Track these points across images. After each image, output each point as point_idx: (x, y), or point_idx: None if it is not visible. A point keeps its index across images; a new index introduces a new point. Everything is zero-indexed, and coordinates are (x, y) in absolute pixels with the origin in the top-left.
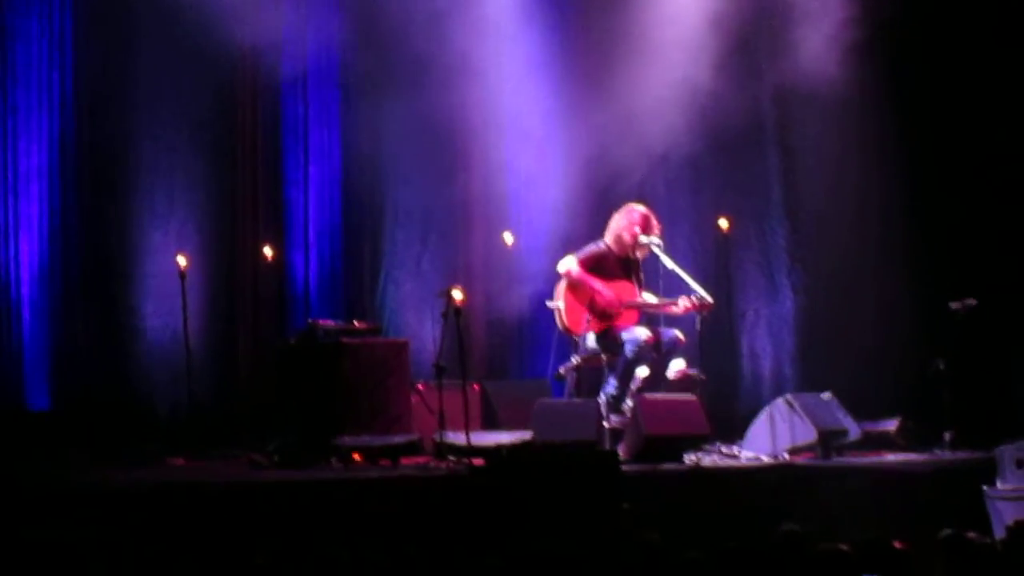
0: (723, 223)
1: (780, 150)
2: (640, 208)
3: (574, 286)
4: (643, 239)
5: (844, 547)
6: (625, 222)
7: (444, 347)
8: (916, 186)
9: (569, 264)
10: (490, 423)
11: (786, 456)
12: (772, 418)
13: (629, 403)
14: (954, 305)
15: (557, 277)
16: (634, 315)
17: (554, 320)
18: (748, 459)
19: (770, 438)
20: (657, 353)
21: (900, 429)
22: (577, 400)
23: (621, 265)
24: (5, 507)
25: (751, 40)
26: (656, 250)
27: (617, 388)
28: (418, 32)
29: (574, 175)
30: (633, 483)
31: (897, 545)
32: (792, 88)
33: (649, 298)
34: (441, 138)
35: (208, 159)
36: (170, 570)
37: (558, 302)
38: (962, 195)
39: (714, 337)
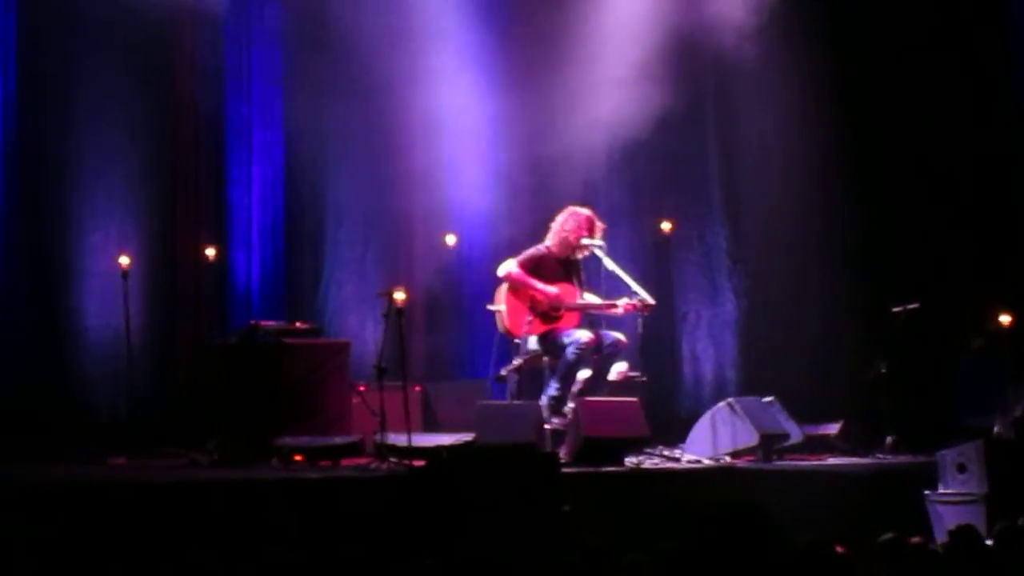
0: (665, 225)
1: (721, 152)
2: (584, 211)
3: (515, 288)
4: (585, 241)
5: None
6: (571, 224)
7: (385, 348)
8: (858, 189)
9: (509, 267)
10: (431, 424)
11: (728, 459)
12: (714, 421)
13: (570, 405)
14: (895, 309)
15: (497, 280)
16: (575, 317)
17: (495, 322)
18: (689, 461)
19: (711, 441)
20: (598, 355)
21: (842, 432)
22: (518, 402)
23: (562, 267)
24: None
25: (691, 39)
26: (599, 252)
27: (558, 390)
28: (363, 33)
29: (515, 176)
30: (573, 485)
31: (838, 549)
32: (734, 90)
33: (591, 299)
34: (383, 139)
35: (149, 158)
36: (109, 569)
37: (499, 305)
38: (904, 199)
39: (655, 340)
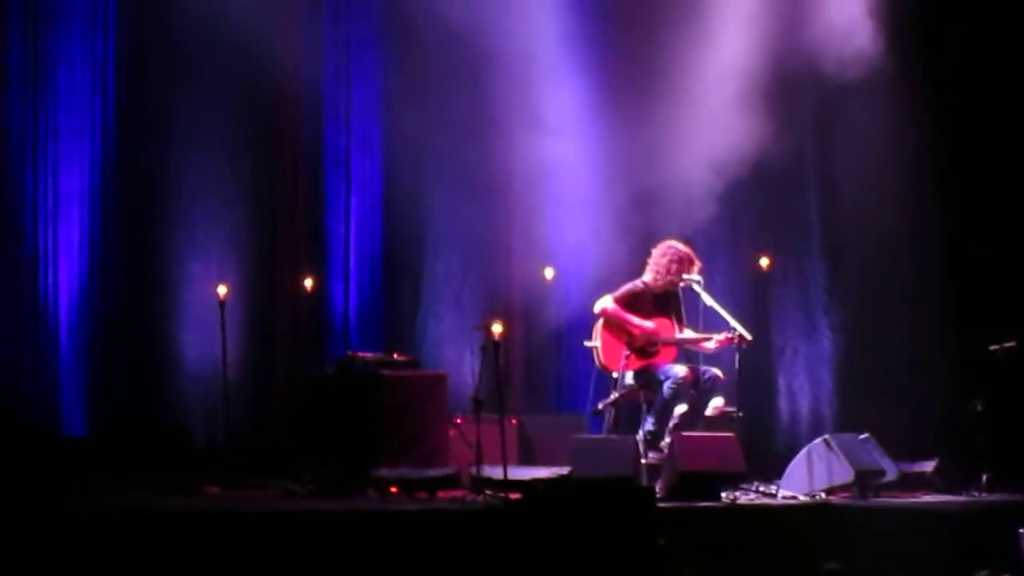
0: (763, 261)
1: (820, 186)
2: (682, 247)
3: (611, 324)
4: (685, 276)
5: None
6: (666, 260)
7: (482, 381)
8: (956, 226)
9: (605, 303)
10: (527, 457)
11: (823, 495)
12: (810, 457)
13: (667, 440)
14: (993, 347)
15: (594, 316)
16: (672, 352)
17: (592, 356)
18: (785, 498)
19: (807, 477)
20: (695, 390)
21: (937, 470)
22: (614, 436)
23: (659, 303)
24: (40, 532)
25: (793, 71)
26: (696, 288)
27: (655, 424)
28: (465, 63)
29: (614, 210)
30: (669, 519)
31: None
32: (834, 122)
33: (689, 335)
34: (482, 170)
35: (248, 188)
36: None
37: (595, 341)
38: (1002, 234)
39: (752, 375)
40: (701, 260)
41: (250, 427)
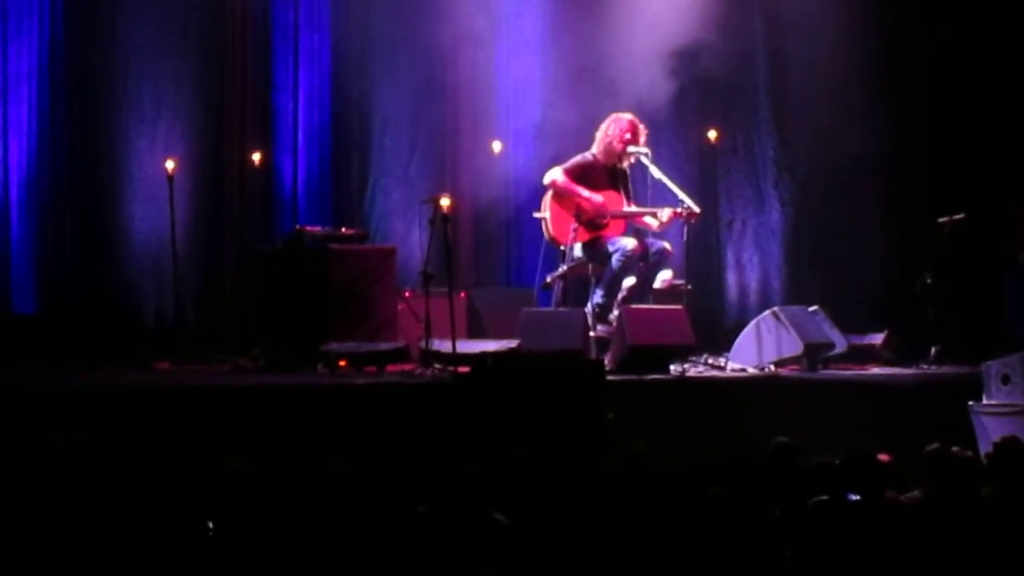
0: (711, 134)
1: (769, 60)
2: (627, 116)
3: (560, 196)
4: (631, 148)
5: (833, 459)
6: (614, 131)
7: (431, 255)
8: (908, 99)
9: (555, 174)
10: (476, 331)
11: (772, 368)
12: (759, 330)
13: (615, 313)
14: (942, 220)
15: (543, 188)
16: (621, 225)
17: (541, 229)
18: (734, 370)
19: (757, 350)
20: (644, 263)
21: (886, 343)
22: (563, 309)
23: (608, 175)
24: None
25: None
26: (644, 160)
27: (603, 298)
28: None
29: (561, 85)
30: (618, 392)
31: (882, 458)
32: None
33: (636, 208)
34: (430, 44)
35: (196, 64)
36: (152, 474)
37: (544, 212)
38: (954, 110)
39: (701, 248)
40: (647, 129)
41: (199, 302)
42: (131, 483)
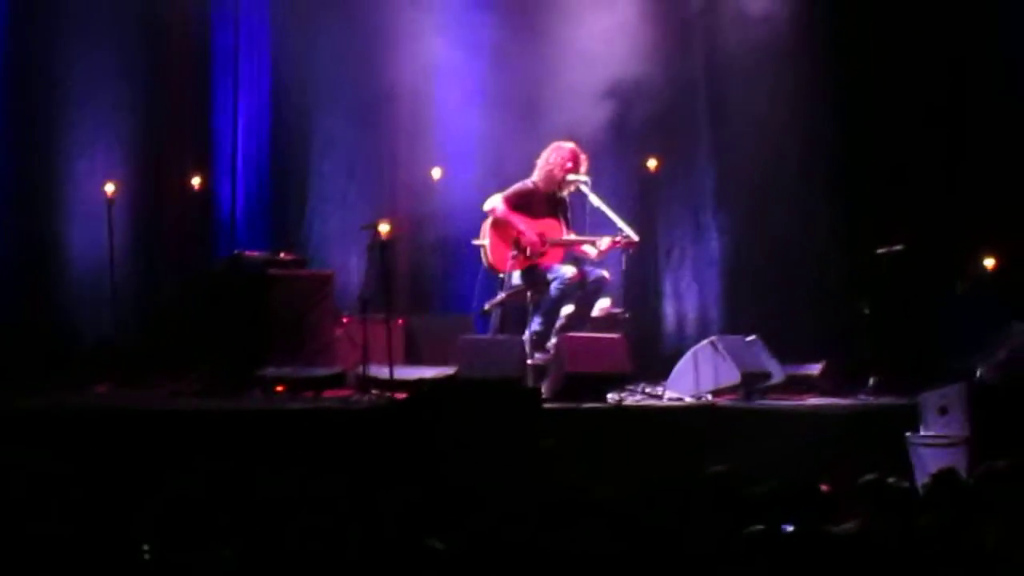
0: (651, 163)
1: (708, 90)
2: (569, 145)
3: (498, 224)
4: (571, 177)
5: (769, 489)
6: (556, 159)
7: (369, 280)
8: (847, 131)
9: (495, 202)
10: (414, 357)
11: (709, 397)
12: (696, 359)
13: (553, 340)
14: (880, 250)
15: (483, 215)
16: (560, 253)
17: (480, 256)
18: (671, 399)
19: (694, 379)
20: (582, 291)
21: (824, 373)
22: (501, 336)
23: (548, 203)
24: None
25: None
26: (584, 188)
27: (541, 325)
28: None
29: (502, 111)
30: (555, 420)
31: (823, 488)
32: (722, 28)
33: (574, 237)
34: (371, 70)
35: (135, 87)
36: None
37: (483, 240)
38: (892, 141)
39: (639, 277)
40: (586, 156)
41: (138, 326)
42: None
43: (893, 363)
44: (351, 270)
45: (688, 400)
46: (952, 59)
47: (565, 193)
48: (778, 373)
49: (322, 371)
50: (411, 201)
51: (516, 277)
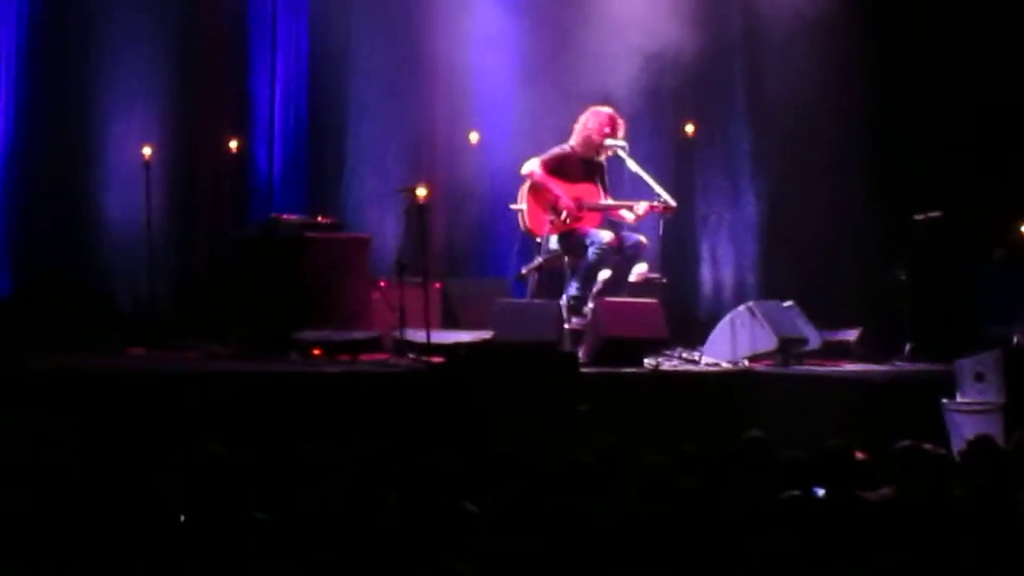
0: (688, 127)
1: (745, 53)
2: (606, 109)
3: (536, 188)
4: (609, 141)
5: (804, 455)
6: (593, 123)
7: (406, 244)
8: (885, 95)
9: (532, 166)
10: (450, 322)
11: (746, 362)
12: (733, 324)
13: (590, 305)
14: (918, 217)
15: (520, 179)
16: (597, 217)
17: (517, 220)
18: (708, 364)
19: (730, 344)
20: (620, 256)
21: (860, 339)
22: (538, 301)
23: (585, 168)
24: None
25: None
26: (621, 153)
27: (578, 290)
28: None
29: (539, 76)
30: (591, 385)
31: (858, 455)
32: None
33: (612, 202)
34: (409, 34)
35: (173, 49)
36: (125, 458)
37: (521, 204)
38: (931, 106)
39: (677, 242)
40: (625, 122)
41: (174, 289)
42: (102, 468)
43: (929, 329)
44: (388, 234)
45: (725, 365)
46: (991, 22)
47: (602, 158)
48: (815, 339)
49: (359, 335)
50: (448, 165)
51: (553, 241)
